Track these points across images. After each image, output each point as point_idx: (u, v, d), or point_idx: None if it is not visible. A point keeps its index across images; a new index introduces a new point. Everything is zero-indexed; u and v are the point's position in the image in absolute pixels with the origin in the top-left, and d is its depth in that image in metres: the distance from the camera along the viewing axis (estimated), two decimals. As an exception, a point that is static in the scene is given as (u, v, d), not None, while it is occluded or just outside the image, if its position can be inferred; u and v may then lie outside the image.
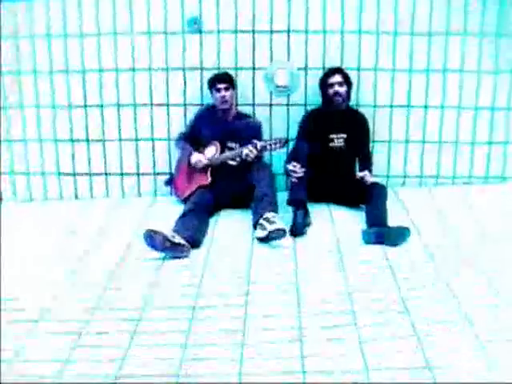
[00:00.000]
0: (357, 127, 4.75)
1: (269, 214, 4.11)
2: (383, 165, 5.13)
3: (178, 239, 3.88)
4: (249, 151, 4.46)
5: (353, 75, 4.82)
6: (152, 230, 3.85)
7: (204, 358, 2.84)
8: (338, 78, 4.62)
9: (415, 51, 4.94)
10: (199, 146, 4.79)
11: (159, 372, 2.75)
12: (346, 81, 4.66)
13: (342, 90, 4.62)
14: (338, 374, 2.70)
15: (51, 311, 3.29)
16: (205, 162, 4.64)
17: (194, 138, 4.83)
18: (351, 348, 2.88)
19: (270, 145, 4.49)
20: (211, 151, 4.73)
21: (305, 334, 3.00)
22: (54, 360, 2.86)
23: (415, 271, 3.64)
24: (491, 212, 4.57)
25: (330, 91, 4.62)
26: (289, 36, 4.92)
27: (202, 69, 4.98)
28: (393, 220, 4.22)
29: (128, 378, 2.72)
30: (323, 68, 4.89)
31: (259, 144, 4.46)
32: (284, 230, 4.01)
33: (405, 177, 5.18)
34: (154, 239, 3.82)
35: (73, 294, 3.48)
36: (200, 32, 4.92)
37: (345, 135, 4.67)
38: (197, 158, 4.67)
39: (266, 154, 4.87)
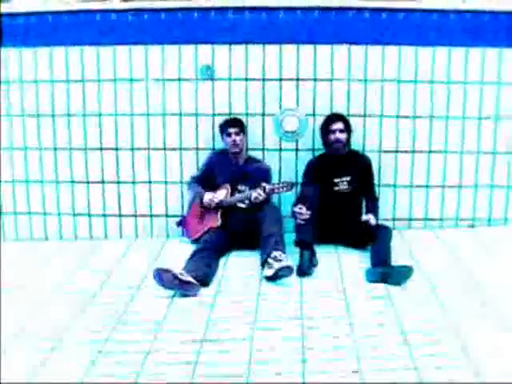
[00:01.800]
0: (360, 170, 4.89)
1: (276, 253, 4.23)
2: (389, 208, 5.25)
3: (186, 277, 3.99)
4: (257, 194, 4.60)
5: (359, 121, 4.98)
6: (161, 269, 3.97)
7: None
8: (339, 125, 4.77)
9: (418, 98, 5.10)
10: (210, 189, 4.93)
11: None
12: (347, 128, 4.81)
13: (343, 136, 4.77)
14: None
15: (61, 344, 3.41)
16: (217, 200, 4.77)
17: (205, 180, 4.98)
18: None
19: (278, 188, 4.64)
20: (222, 194, 4.88)
21: (307, 367, 3.10)
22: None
23: (418, 309, 3.72)
24: (493, 250, 4.70)
25: (331, 137, 4.77)
26: (297, 83, 5.11)
27: (213, 115, 5.16)
28: (397, 260, 4.34)
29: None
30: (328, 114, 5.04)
31: (267, 187, 4.61)
32: (291, 268, 4.13)
33: (411, 219, 5.29)
34: (162, 277, 3.93)
35: (84, 328, 3.59)
36: (212, 79, 5.11)
37: (348, 178, 4.81)
38: (209, 197, 4.81)
39: (275, 197, 5.00)
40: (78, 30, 5.08)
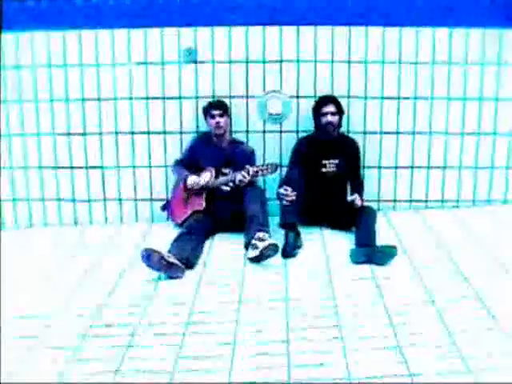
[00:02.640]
0: (348, 153, 4.90)
1: (260, 234, 4.24)
2: (374, 190, 5.27)
3: (173, 259, 4.00)
4: (242, 177, 4.59)
5: (343, 103, 4.96)
6: (150, 249, 3.98)
7: (196, 370, 2.95)
8: (331, 107, 4.76)
9: (403, 79, 5.11)
10: (195, 172, 4.92)
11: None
12: (339, 110, 4.80)
13: (335, 119, 4.76)
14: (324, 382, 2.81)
15: (50, 328, 3.41)
16: (201, 183, 4.77)
17: (189, 164, 4.98)
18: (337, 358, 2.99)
19: (262, 170, 4.62)
20: (206, 177, 4.87)
21: (292, 347, 3.11)
22: (50, 373, 2.97)
23: (402, 289, 3.75)
24: (478, 232, 4.72)
25: (323, 120, 4.76)
26: (281, 65, 5.10)
27: (197, 97, 5.15)
28: (382, 241, 4.36)
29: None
30: (314, 96, 5.05)
31: (251, 169, 4.60)
32: (276, 245, 4.14)
33: (395, 201, 5.31)
34: (151, 257, 3.94)
35: (71, 311, 3.59)
36: (195, 62, 5.09)
37: (337, 161, 4.82)
38: (193, 180, 4.81)
39: (260, 179, 5.00)
40: (60, 14, 5.04)
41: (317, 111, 4.84)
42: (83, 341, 3.25)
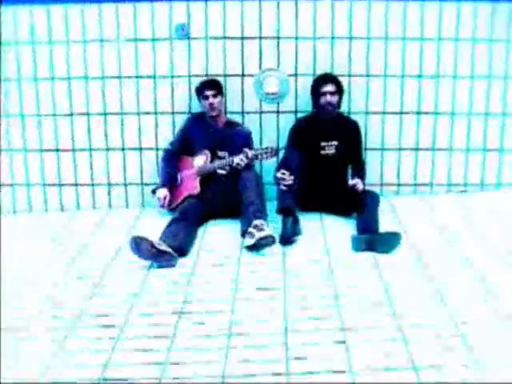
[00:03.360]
0: (348, 134, 4.89)
1: (257, 222, 4.24)
2: (376, 173, 5.28)
3: (164, 247, 4.01)
4: (239, 160, 4.59)
5: (344, 81, 4.95)
6: (138, 237, 3.99)
7: (188, 362, 2.97)
8: (330, 87, 4.74)
9: (407, 56, 5.09)
10: (188, 155, 4.93)
11: (143, 375, 2.88)
12: (339, 89, 4.79)
13: (334, 99, 4.75)
14: (323, 374, 2.82)
15: (38, 317, 3.41)
16: (164, 202, 4.91)
17: (182, 147, 4.98)
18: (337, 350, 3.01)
19: (261, 154, 4.61)
20: (200, 160, 4.87)
21: (290, 338, 3.12)
22: (39, 364, 2.98)
23: (406, 279, 3.76)
24: (485, 218, 4.73)
25: (322, 100, 4.75)
26: (278, 42, 5.08)
27: (189, 76, 5.13)
28: (385, 227, 4.37)
29: (112, 381, 2.84)
30: (313, 74, 5.03)
31: (250, 153, 4.59)
32: (273, 237, 4.15)
33: (399, 185, 5.32)
34: (140, 245, 3.95)
35: (58, 302, 3.60)
36: (188, 38, 5.08)
37: (336, 142, 4.82)
38: (161, 193, 4.93)
39: (256, 163, 4.99)
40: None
41: (315, 91, 4.82)
42: (70, 332, 3.25)
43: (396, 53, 5.09)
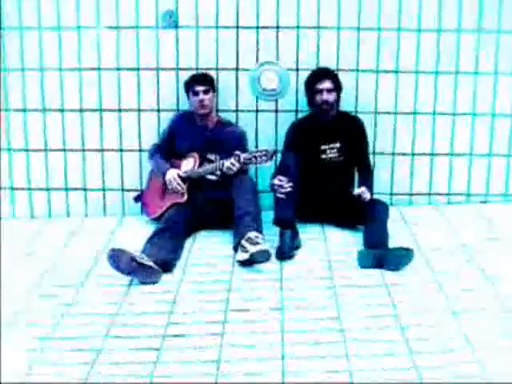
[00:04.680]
0: (352, 134, 4.89)
1: (251, 234, 4.24)
2: (386, 181, 5.29)
3: (146, 261, 4.01)
4: (231, 164, 4.58)
5: (350, 77, 4.98)
6: (117, 249, 3.99)
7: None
8: (327, 84, 4.75)
9: (422, 50, 5.11)
10: (175, 158, 4.94)
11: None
12: (336, 86, 4.79)
13: (331, 97, 4.76)
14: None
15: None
16: (179, 182, 4.77)
17: (168, 148, 4.99)
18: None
19: (256, 157, 4.58)
20: (188, 164, 4.87)
21: (288, 366, 3.13)
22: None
23: (418, 301, 3.75)
24: (509, 232, 4.74)
25: (317, 98, 4.75)
26: (278, 32, 5.09)
27: (177, 69, 5.14)
28: (396, 242, 4.37)
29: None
30: (314, 69, 5.03)
31: (243, 156, 4.57)
32: (268, 252, 4.16)
33: (411, 194, 5.33)
34: (119, 259, 3.94)
35: (23, 323, 3.60)
36: (176, 27, 5.09)
37: (338, 144, 4.83)
38: (172, 175, 4.81)
39: (251, 168, 4.98)
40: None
41: (310, 88, 4.83)
42: (38, 356, 3.25)
43: (410, 46, 5.10)
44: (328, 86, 4.75)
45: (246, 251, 4.17)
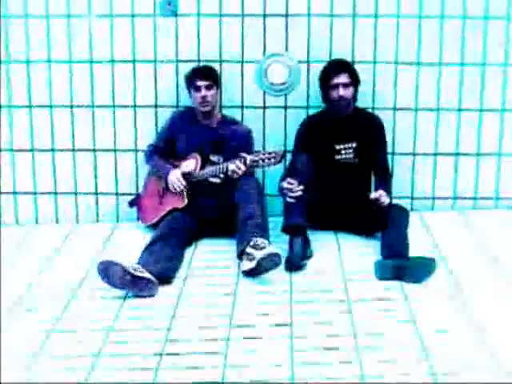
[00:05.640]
0: (369, 134, 4.88)
1: (257, 240, 4.23)
2: (406, 183, 5.28)
3: (142, 273, 4.00)
4: (236, 167, 4.55)
5: (367, 70, 4.99)
6: (109, 261, 3.98)
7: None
8: (343, 78, 4.73)
9: (446, 40, 5.09)
10: (174, 160, 4.94)
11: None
12: (353, 80, 4.78)
13: (348, 92, 4.74)
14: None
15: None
16: (183, 182, 4.77)
17: (167, 149, 4.98)
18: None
19: (263, 159, 4.54)
20: (189, 166, 4.86)
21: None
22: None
23: (441, 317, 3.73)
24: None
25: (333, 94, 4.74)
26: (287, 21, 5.09)
27: (177, 61, 5.15)
28: (417, 252, 4.35)
29: None
30: (330, 61, 5.01)
31: (249, 158, 4.53)
32: (278, 255, 4.12)
33: (434, 198, 5.32)
34: (110, 272, 3.93)
35: (6, 340, 3.59)
36: (175, 15, 5.09)
37: (354, 144, 4.82)
38: (176, 176, 4.80)
39: (258, 170, 4.97)
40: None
41: (325, 83, 4.82)
42: (23, 376, 3.25)
43: (432, 35, 5.09)
44: (344, 81, 4.73)
45: (253, 258, 4.15)
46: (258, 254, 4.13)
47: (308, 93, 5.17)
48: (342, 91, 4.70)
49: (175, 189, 4.78)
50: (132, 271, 3.96)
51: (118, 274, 3.93)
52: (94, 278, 4.11)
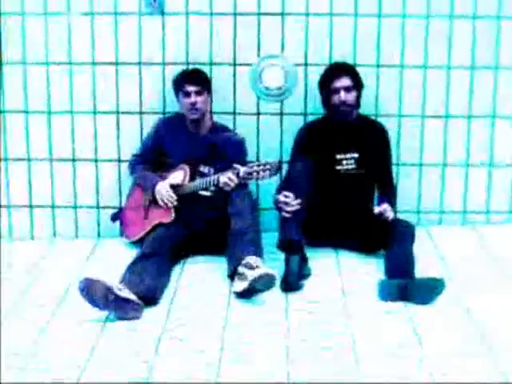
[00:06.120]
0: (373, 143, 4.91)
1: (250, 259, 4.24)
2: (412, 196, 5.31)
3: (126, 293, 4.00)
4: (227, 179, 4.55)
5: (370, 74, 5.02)
6: (91, 279, 3.97)
7: None
8: (345, 81, 4.75)
9: (455, 40, 5.12)
10: (161, 171, 4.97)
11: None
12: (356, 84, 4.80)
13: (351, 97, 4.76)
14: None
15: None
16: (171, 194, 4.78)
17: (153, 159, 5.01)
18: None
19: (257, 171, 4.53)
20: (177, 178, 4.88)
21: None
22: None
23: (451, 342, 3.73)
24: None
25: (335, 99, 4.76)
26: (283, 19, 5.12)
27: (163, 64, 5.17)
28: (423, 271, 4.39)
29: None
30: (330, 64, 5.04)
31: (242, 170, 4.53)
32: (272, 277, 4.13)
33: (442, 212, 5.35)
34: (93, 291, 3.92)
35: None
36: (162, 13, 5.12)
37: (356, 154, 4.85)
38: (164, 188, 4.81)
39: (252, 182, 4.94)
40: None
41: (325, 87, 4.84)
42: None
43: (441, 35, 5.12)
44: (347, 84, 4.75)
45: (245, 278, 4.16)
46: (251, 274, 4.13)
47: (306, 98, 5.19)
48: (343, 95, 4.73)
49: (164, 202, 4.79)
50: (117, 291, 3.95)
51: (101, 293, 3.92)
52: (73, 299, 4.11)
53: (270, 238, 4.65)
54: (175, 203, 4.77)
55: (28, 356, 3.65)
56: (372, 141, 4.92)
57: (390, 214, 4.63)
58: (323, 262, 4.70)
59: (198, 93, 4.80)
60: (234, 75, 5.19)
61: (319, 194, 4.68)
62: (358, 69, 4.95)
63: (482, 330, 3.82)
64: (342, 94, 4.73)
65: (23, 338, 3.84)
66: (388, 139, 5.00)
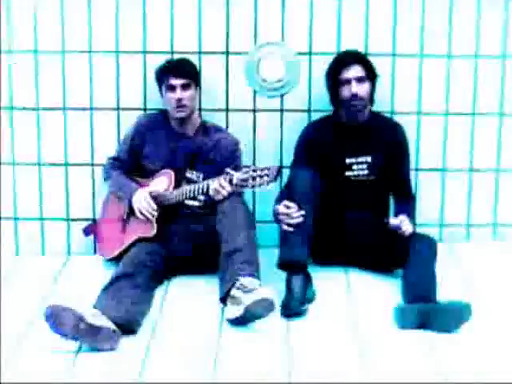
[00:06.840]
0: (389, 145, 4.90)
1: (245, 280, 4.21)
2: (435, 207, 5.30)
3: (99, 320, 3.95)
4: (219, 186, 4.53)
5: (385, 65, 5.01)
6: (59, 306, 3.93)
7: None
8: (356, 71, 4.74)
9: (482, 27, 5.12)
10: (141, 177, 4.95)
11: None
12: (369, 74, 4.79)
13: (363, 89, 4.74)
14: None
15: None
16: (151, 204, 4.75)
17: (131, 163, 5.01)
18: None
19: (254, 177, 4.46)
20: (161, 185, 4.87)
21: None
22: None
23: (478, 375, 3.68)
24: None
25: (344, 92, 4.74)
26: (284, 3, 5.11)
27: (144, 52, 5.16)
28: (446, 293, 4.36)
29: None
30: (338, 53, 5.05)
31: (236, 176, 4.49)
32: (270, 302, 4.10)
33: (469, 226, 5.33)
34: (61, 320, 3.87)
35: None
36: (143, -4, 5.10)
37: (369, 158, 4.84)
38: (142, 196, 4.78)
39: (247, 191, 4.91)
40: None
41: (333, 78, 4.83)
42: None
43: (465, 22, 5.12)
44: (358, 74, 4.73)
45: (239, 303, 4.12)
46: (246, 299, 4.09)
47: (310, 93, 5.20)
48: (355, 87, 4.70)
49: (142, 214, 4.76)
50: (89, 319, 3.90)
51: (70, 322, 3.87)
52: (40, 328, 4.06)
53: (268, 256, 4.64)
54: (156, 215, 4.72)
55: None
56: (387, 142, 4.91)
57: (408, 228, 4.63)
58: (330, 284, 4.68)
59: (184, 87, 4.79)
60: (227, 66, 5.19)
61: (326, 203, 4.64)
62: (371, 59, 4.92)
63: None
64: (354, 84, 4.70)
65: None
66: (406, 141, 5.00)
